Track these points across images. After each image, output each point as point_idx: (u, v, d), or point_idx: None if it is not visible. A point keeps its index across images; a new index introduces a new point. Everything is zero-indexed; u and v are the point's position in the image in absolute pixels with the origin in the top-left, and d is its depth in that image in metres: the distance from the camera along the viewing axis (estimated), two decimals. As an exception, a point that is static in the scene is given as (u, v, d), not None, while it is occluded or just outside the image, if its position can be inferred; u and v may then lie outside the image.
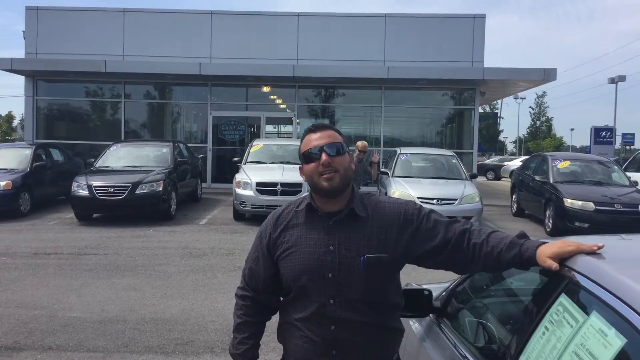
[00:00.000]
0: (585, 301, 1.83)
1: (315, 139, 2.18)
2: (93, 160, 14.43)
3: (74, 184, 12.39)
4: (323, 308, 2.11)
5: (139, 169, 13.34)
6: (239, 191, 12.57)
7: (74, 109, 21.60)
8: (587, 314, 1.78)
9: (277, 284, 2.25)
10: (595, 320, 1.72)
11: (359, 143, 12.42)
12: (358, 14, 20.82)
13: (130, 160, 14.01)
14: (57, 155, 15.72)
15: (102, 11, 20.99)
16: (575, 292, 1.92)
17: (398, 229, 2.17)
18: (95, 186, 12.14)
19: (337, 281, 2.10)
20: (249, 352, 2.29)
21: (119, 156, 14.22)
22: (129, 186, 12.19)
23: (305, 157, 2.19)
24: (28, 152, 14.14)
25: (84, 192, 12.16)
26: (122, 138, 19.45)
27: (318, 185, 2.15)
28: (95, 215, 12.93)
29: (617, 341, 1.60)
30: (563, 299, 1.94)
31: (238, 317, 2.34)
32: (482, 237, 2.15)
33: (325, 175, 2.12)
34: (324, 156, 2.13)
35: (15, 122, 61.91)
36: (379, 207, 2.22)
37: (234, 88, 21.01)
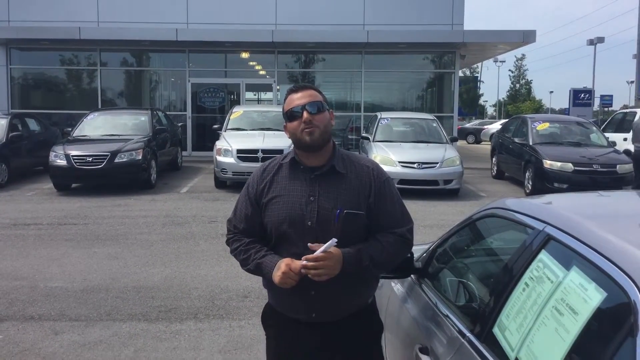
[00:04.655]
0: (565, 257, 1.83)
1: (297, 98, 2.34)
2: (70, 129, 14.18)
3: (52, 154, 12.20)
4: (303, 253, 2.23)
5: (117, 137, 13.13)
6: (220, 159, 12.49)
7: (50, 78, 21.19)
8: (567, 269, 1.79)
9: (263, 230, 2.41)
10: (575, 275, 1.73)
11: None
12: (337, -24, 20.51)
13: (108, 128, 13.79)
14: (33, 125, 15.42)
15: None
16: (555, 248, 1.92)
17: (368, 192, 2.36)
18: (73, 156, 11.97)
19: (315, 229, 2.29)
20: (270, 254, 2.35)
21: (96, 125, 13.98)
22: (107, 155, 12.03)
23: (289, 116, 2.36)
24: (3, 122, 13.83)
25: (62, 162, 12.00)
26: (99, 106, 19.14)
27: (301, 140, 2.32)
28: (74, 185, 12.76)
29: (597, 295, 1.61)
30: (543, 255, 1.95)
31: (241, 247, 2.42)
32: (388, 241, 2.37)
33: (306, 130, 2.29)
34: (305, 114, 2.30)
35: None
36: (355, 165, 2.42)
37: (212, 54, 20.71)
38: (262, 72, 21.25)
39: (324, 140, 2.33)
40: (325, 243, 2.19)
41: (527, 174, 12.64)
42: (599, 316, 1.58)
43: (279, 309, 2.46)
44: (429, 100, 22.05)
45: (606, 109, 44.35)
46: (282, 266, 2.21)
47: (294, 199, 2.33)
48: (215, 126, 15.17)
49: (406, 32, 18.57)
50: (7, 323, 5.16)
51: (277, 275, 2.23)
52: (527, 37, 18.64)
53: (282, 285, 2.23)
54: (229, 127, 13.98)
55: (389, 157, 11.97)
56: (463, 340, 2.17)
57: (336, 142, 2.47)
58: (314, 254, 2.18)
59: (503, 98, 76.55)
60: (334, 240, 2.18)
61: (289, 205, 2.32)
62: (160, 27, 18.54)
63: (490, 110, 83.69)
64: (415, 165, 11.89)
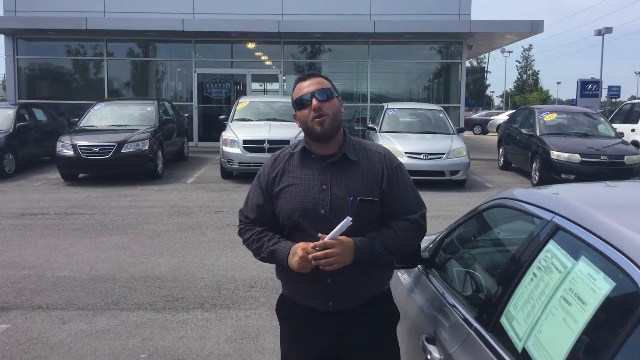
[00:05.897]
0: (574, 247, 1.83)
1: (306, 86, 2.33)
2: (77, 119, 14.22)
3: (59, 144, 12.24)
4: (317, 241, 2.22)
5: (124, 128, 13.17)
6: (226, 149, 12.49)
7: (56, 68, 21.22)
8: (576, 259, 1.78)
9: (275, 220, 2.41)
10: (584, 265, 1.72)
11: None
12: (343, -34, 20.39)
13: (114, 119, 13.82)
14: (40, 115, 15.48)
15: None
16: (563, 238, 1.92)
17: (380, 179, 2.35)
18: (80, 146, 12.01)
19: (329, 217, 2.27)
20: (282, 240, 2.35)
21: (103, 115, 14.01)
22: (114, 145, 12.06)
23: (298, 104, 2.34)
24: (11, 113, 13.89)
25: (69, 152, 12.03)
26: (106, 97, 19.15)
27: (311, 129, 2.31)
28: (81, 175, 12.81)
29: (605, 285, 1.60)
30: (551, 246, 1.94)
31: (253, 236, 2.42)
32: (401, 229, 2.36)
33: (317, 119, 2.27)
34: (314, 101, 2.28)
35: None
36: (366, 152, 2.40)
37: (218, 45, 20.66)
38: (268, 63, 21.20)
39: (334, 128, 2.32)
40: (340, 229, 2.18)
41: (534, 165, 12.60)
42: (608, 306, 1.58)
43: (294, 298, 2.44)
44: (435, 90, 21.96)
45: (614, 99, 44.13)
46: (299, 251, 2.20)
47: (306, 187, 2.32)
48: (222, 117, 15.17)
49: (413, 22, 18.46)
50: (15, 312, 5.19)
51: (294, 261, 2.22)
52: (534, 27, 18.51)
53: (301, 270, 2.22)
54: (235, 117, 13.98)
55: (396, 147, 11.94)
56: (470, 330, 2.16)
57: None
58: (323, 240, 2.17)
59: (510, 89, 76.13)
60: (349, 218, 2.15)
61: (302, 194, 2.31)
62: (167, 17, 18.51)
63: (497, 101, 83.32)
64: (421, 156, 11.87)
